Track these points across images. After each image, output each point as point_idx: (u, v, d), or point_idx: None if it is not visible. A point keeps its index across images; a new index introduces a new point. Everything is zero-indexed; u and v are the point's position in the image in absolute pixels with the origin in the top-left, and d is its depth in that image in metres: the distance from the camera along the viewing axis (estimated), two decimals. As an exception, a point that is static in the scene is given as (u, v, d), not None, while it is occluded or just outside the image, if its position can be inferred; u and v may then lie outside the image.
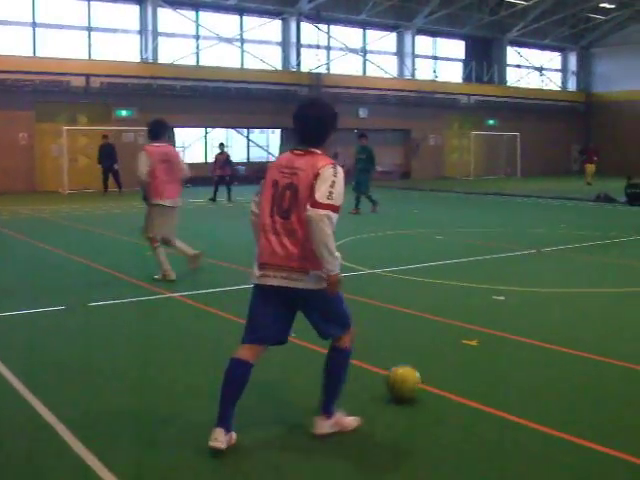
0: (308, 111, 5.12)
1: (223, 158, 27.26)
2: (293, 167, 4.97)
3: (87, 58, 34.73)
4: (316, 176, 4.84)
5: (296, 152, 5.04)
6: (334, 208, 4.78)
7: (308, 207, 4.77)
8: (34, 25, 33.79)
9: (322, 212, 4.73)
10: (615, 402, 6.00)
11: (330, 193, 4.78)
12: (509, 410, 5.68)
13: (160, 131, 11.18)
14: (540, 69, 51.84)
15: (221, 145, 28.33)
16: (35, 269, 12.62)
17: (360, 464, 4.87)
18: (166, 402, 5.99)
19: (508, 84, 48.92)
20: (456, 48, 48.07)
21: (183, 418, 5.61)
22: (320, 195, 4.77)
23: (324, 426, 5.20)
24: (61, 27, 34.50)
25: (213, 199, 26.44)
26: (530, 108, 47.76)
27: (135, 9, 36.17)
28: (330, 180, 4.82)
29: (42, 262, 13.43)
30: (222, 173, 26.93)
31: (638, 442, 5.17)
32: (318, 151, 5.01)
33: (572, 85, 53.32)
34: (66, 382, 6.55)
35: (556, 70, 53.43)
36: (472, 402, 5.86)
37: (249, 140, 39.93)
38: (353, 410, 5.43)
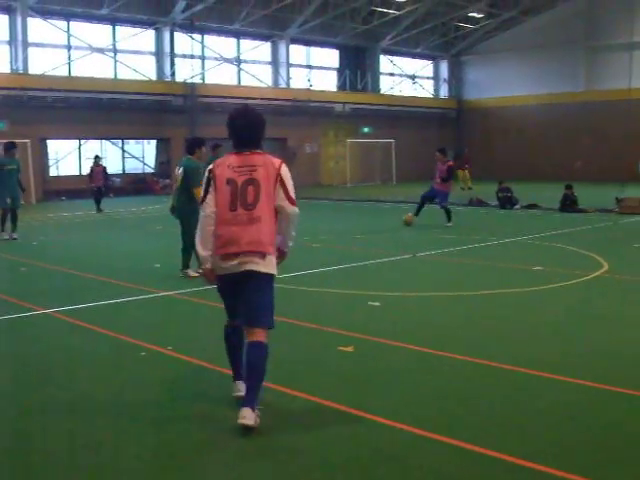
0: (247, 118, 5.84)
1: (100, 170, 27.01)
2: (250, 165, 5.72)
3: (-47, 69, 33.68)
4: (278, 172, 5.74)
5: (244, 153, 5.77)
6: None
7: (288, 204, 5.75)
8: None
9: (296, 208, 5.81)
10: (488, 402, 6.28)
11: (293, 189, 5.79)
12: (384, 415, 5.87)
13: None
14: (413, 77, 53.00)
15: (96, 157, 28.01)
16: None
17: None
18: (40, 419, 5.96)
19: (382, 92, 49.82)
20: (330, 57, 48.66)
21: (61, 435, 5.62)
22: (292, 193, 5.76)
23: (251, 418, 5.48)
24: None
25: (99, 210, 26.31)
26: (404, 115, 48.81)
27: (4, 19, 35.19)
28: (290, 178, 5.79)
29: None
30: (99, 185, 26.72)
31: (512, 440, 5.45)
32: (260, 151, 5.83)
33: (444, 92, 54.74)
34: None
35: (428, 78, 54.74)
36: (344, 407, 6.04)
37: (124, 151, 39.43)
38: (213, 411, 5.54)
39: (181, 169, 12.22)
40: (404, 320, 9.30)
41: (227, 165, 5.74)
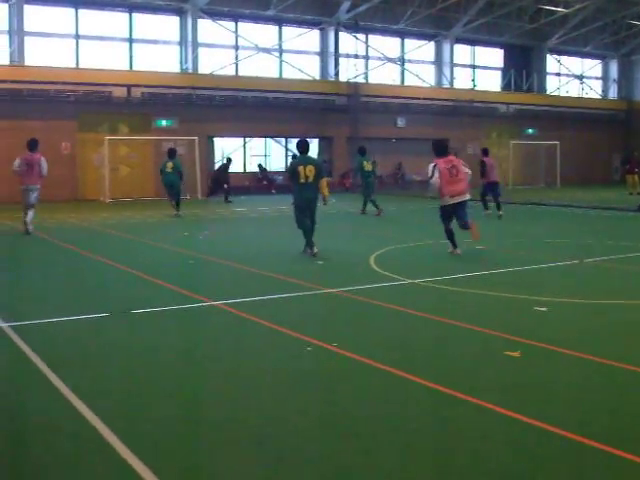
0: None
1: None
2: (452, 162, 14.21)
3: (128, 69, 35.19)
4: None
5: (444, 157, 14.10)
6: None
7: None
8: (77, 37, 34.33)
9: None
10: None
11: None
12: (550, 421, 5.64)
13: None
14: (580, 77, 51.50)
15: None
16: (79, 276, 12.83)
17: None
18: (210, 409, 6.06)
19: (547, 92, 48.64)
20: (495, 56, 47.92)
21: (228, 425, 5.69)
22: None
23: None
24: (103, 39, 35.00)
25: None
26: (570, 117, 47.42)
27: (175, 20, 36.55)
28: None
29: (85, 269, 13.66)
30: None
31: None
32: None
33: (613, 93, 52.90)
34: (110, 388, 6.65)
35: (597, 78, 53.05)
36: (513, 413, 5.86)
37: (287, 149, 40.06)
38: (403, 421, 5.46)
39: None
40: (572, 327, 8.97)
41: (444, 162, 14.14)
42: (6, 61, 32.49)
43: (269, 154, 39.71)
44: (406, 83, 43.73)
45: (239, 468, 4.96)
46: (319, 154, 40.80)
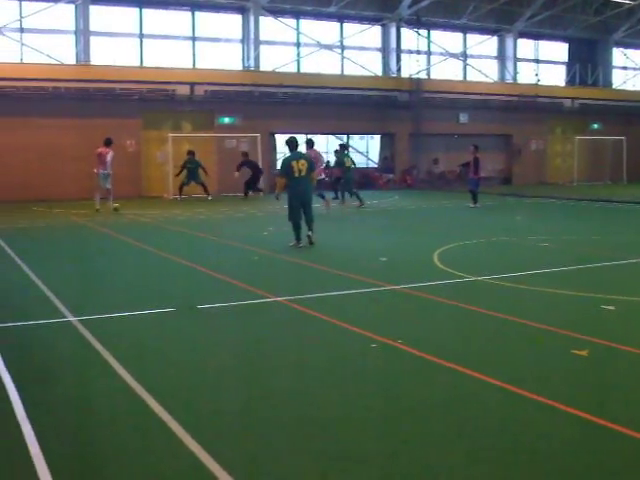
0: None
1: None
2: None
3: (191, 67, 35.53)
4: None
5: None
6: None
7: None
8: (141, 36, 34.77)
9: None
10: None
11: None
12: (621, 422, 5.56)
13: None
14: (647, 70, 50.54)
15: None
16: (144, 272, 13.05)
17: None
18: (275, 403, 6.10)
19: (613, 87, 47.80)
20: (559, 50, 47.21)
21: (292, 420, 5.72)
22: None
23: None
24: (166, 37, 35.38)
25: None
26: (637, 111, 46.33)
27: (238, 18, 36.79)
28: None
29: (150, 265, 13.88)
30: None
31: None
32: None
33: (682, 86, 51.76)
34: (177, 382, 6.74)
35: (665, 71, 51.98)
36: (583, 413, 5.78)
37: (349, 146, 40.01)
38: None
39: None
40: (641, 326, 8.83)
41: None
42: (73, 61, 33.07)
43: (330, 151, 39.70)
44: (468, 78, 43.38)
45: (303, 463, 4.98)
46: (380, 151, 40.74)
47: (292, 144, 15.97)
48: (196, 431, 5.41)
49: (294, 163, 15.47)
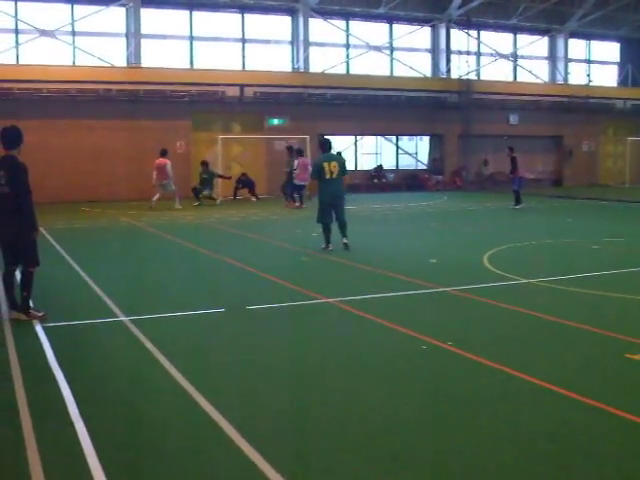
0: None
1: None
2: None
3: (241, 69, 35.69)
4: None
5: None
6: None
7: None
8: (191, 38, 35.01)
9: None
10: None
11: None
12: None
13: None
14: (702, 71, 49.62)
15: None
16: (195, 272, 13.12)
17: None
18: (324, 403, 6.10)
19: (668, 87, 47.07)
20: (611, 51, 46.58)
21: (342, 419, 5.71)
22: None
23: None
24: (216, 39, 35.58)
25: None
26: (691, 112, 45.68)
27: (287, 20, 36.88)
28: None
29: (201, 266, 13.97)
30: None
31: None
32: None
33: None
34: (228, 382, 6.79)
35: None
36: (636, 418, 5.69)
37: (398, 147, 39.97)
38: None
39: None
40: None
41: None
42: (124, 63, 33.42)
43: (380, 152, 39.69)
44: (519, 79, 42.99)
45: (351, 462, 4.99)
46: (430, 152, 40.57)
47: (325, 145, 15.96)
48: (247, 430, 5.44)
49: (325, 164, 15.37)
